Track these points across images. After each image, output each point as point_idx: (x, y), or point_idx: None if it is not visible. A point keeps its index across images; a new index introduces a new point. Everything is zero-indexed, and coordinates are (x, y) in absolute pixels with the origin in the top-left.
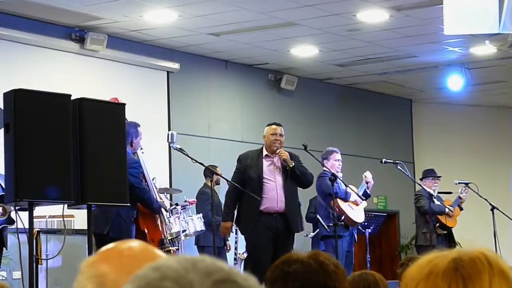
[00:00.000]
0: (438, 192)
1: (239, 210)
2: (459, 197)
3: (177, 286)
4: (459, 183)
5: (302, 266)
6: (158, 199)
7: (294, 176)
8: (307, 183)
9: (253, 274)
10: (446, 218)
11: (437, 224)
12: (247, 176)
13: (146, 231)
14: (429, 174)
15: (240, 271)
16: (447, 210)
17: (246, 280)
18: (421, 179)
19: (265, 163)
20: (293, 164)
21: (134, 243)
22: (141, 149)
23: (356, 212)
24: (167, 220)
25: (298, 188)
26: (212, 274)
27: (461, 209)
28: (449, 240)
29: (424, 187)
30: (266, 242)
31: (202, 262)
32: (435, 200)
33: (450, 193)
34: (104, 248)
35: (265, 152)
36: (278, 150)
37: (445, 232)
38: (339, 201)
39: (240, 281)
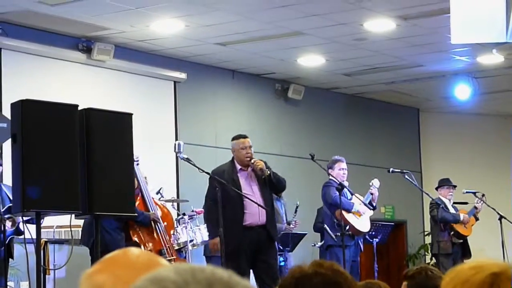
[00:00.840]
0: (454, 202)
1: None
2: (475, 207)
3: None
4: (466, 192)
5: (323, 279)
6: (152, 210)
7: (270, 184)
8: (282, 189)
9: None
10: (460, 226)
11: (452, 233)
12: (226, 193)
13: (140, 242)
14: (445, 183)
15: (240, 280)
16: (461, 218)
17: None
18: (436, 188)
19: (241, 177)
20: (269, 172)
21: (131, 251)
22: (137, 161)
23: (361, 221)
24: (162, 230)
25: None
26: (212, 285)
27: (477, 219)
28: (464, 249)
29: (439, 195)
30: (244, 259)
31: (202, 273)
32: (449, 208)
33: (466, 203)
34: (102, 258)
35: (238, 166)
36: (253, 160)
37: (461, 241)
38: (343, 211)
39: None
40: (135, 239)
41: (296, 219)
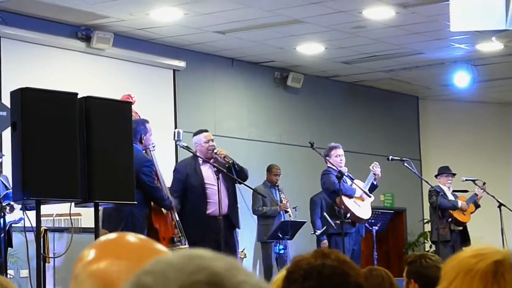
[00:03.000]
0: (454, 190)
1: (185, 216)
2: (476, 194)
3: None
4: (466, 180)
5: (332, 271)
6: (169, 196)
7: (235, 173)
8: (245, 177)
9: None
10: (458, 213)
11: (450, 220)
12: (189, 184)
13: (159, 229)
14: (444, 171)
15: (230, 271)
16: (460, 205)
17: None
18: (436, 176)
19: (204, 169)
20: (232, 160)
21: (128, 235)
22: (153, 146)
23: (362, 208)
24: (177, 218)
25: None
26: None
27: (478, 206)
28: (463, 237)
29: (439, 183)
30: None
31: (182, 271)
32: (448, 196)
33: (466, 191)
34: (97, 243)
35: (200, 160)
36: (216, 149)
37: (460, 228)
38: (344, 199)
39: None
40: (156, 226)
41: (284, 198)
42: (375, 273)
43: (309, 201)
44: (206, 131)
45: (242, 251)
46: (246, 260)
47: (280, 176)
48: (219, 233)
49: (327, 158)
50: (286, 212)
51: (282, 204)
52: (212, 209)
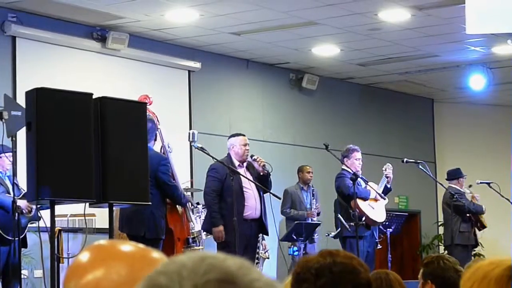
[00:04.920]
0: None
1: (222, 218)
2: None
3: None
4: (480, 183)
5: (343, 268)
6: (185, 194)
7: (265, 183)
8: (270, 189)
9: None
10: (482, 217)
11: (478, 224)
12: (227, 185)
13: (174, 229)
14: (459, 173)
15: (251, 272)
16: (483, 208)
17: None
18: (451, 180)
19: (240, 172)
20: (268, 171)
21: (120, 242)
22: (169, 147)
23: (376, 211)
24: (192, 218)
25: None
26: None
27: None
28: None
29: (456, 186)
30: (241, 250)
31: (195, 271)
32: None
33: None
34: (89, 250)
35: (236, 162)
36: (255, 156)
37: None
38: (359, 202)
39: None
40: (171, 227)
41: (314, 204)
42: (375, 275)
43: (333, 204)
44: (243, 135)
45: (265, 253)
46: (268, 261)
47: (312, 174)
48: (248, 237)
49: (345, 159)
50: (313, 221)
51: (308, 212)
52: (248, 212)
